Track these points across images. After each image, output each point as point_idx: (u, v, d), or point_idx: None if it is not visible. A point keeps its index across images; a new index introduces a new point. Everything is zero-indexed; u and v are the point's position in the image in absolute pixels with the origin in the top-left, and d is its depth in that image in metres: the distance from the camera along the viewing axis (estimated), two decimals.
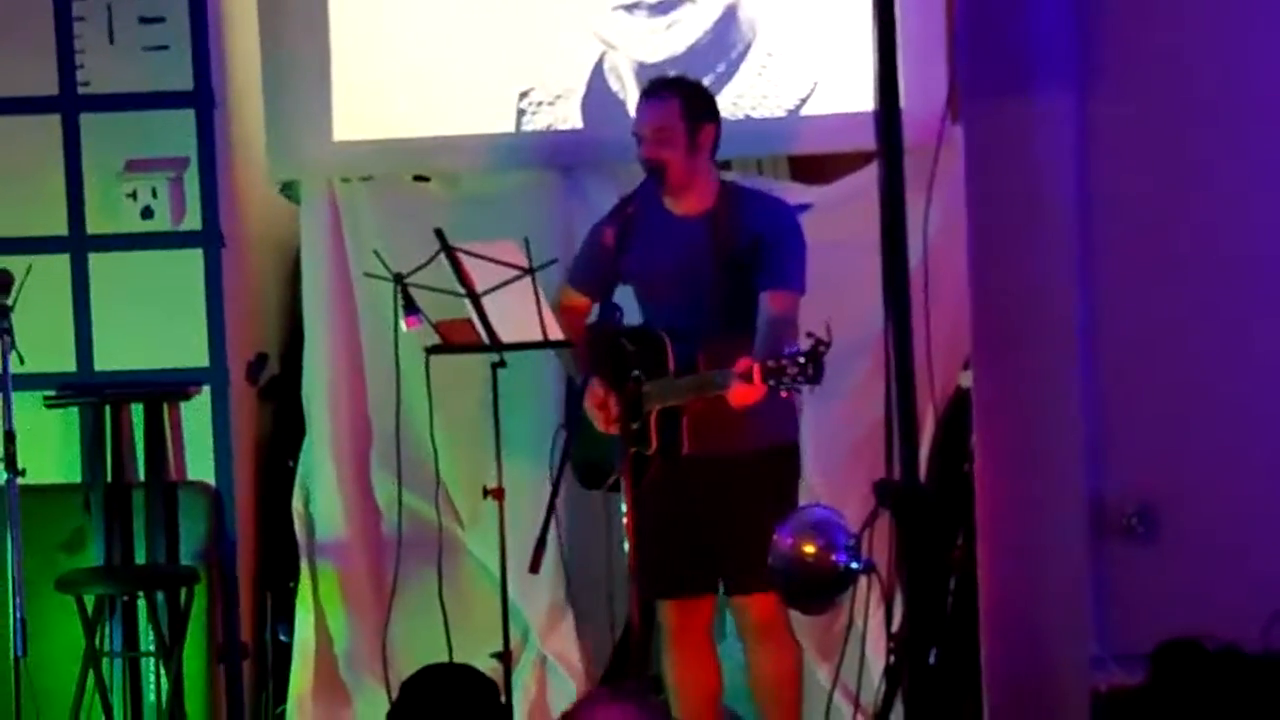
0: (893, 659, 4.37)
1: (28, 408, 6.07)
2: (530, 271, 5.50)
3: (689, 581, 5.44)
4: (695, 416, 5.26)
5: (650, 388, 5.23)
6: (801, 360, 4.93)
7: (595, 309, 5.28)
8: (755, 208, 5.43)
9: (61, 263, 6.33)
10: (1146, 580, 4.81)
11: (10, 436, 5.59)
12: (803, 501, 5.43)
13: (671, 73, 5.78)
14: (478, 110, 6.36)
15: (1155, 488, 4.81)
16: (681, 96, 5.42)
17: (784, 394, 5.02)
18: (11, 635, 5.63)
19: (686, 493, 5.34)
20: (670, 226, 5.43)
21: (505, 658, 5.75)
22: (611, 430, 5.27)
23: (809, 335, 4.95)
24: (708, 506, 5.35)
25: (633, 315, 5.51)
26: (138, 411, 6.22)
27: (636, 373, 5.28)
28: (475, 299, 5.58)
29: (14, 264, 5.78)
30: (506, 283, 5.51)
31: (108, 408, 6.19)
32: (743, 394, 5.02)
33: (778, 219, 5.41)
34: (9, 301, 5.64)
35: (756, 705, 5.61)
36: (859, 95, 5.92)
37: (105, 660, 6.04)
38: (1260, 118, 4.80)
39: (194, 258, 6.33)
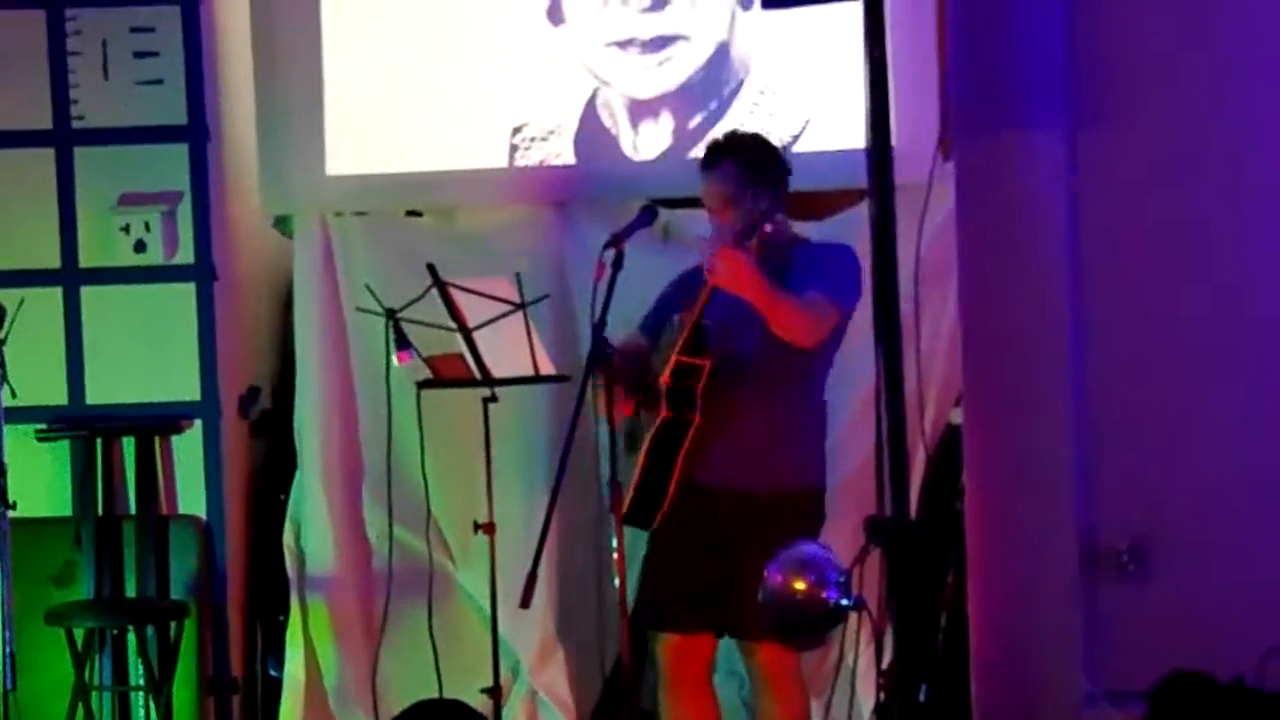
0: (883, 696, 4.36)
1: (19, 441, 6.08)
2: (522, 306, 5.51)
3: (692, 617, 5.29)
4: (707, 371, 5.18)
5: (656, 361, 5.20)
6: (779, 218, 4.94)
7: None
8: (805, 256, 5.37)
9: (54, 296, 6.33)
10: (1138, 617, 4.80)
11: (1, 469, 5.60)
12: None
13: (731, 131, 5.64)
14: (470, 145, 6.38)
15: (1147, 524, 4.81)
16: (735, 162, 5.33)
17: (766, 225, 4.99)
18: (1, 668, 5.62)
19: (705, 526, 5.22)
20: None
21: (495, 693, 5.75)
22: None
23: None
24: (724, 544, 5.20)
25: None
26: (129, 445, 6.22)
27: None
28: (467, 334, 5.59)
29: (7, 297, 5.80)
30: (498, 318, 5.52)
31: (99, 441, 6.20)
32: (726, 260, 4.97)
33: (827, 257, 5.36)
34: (1, 335, 5.64)
35: None
36: (851, 132, 5.91)
37: (95, 694, 6.04)
38: (1251, 152, 4.81)
39: (186, 292, 6.34)
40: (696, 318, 5.16)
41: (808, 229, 6.24)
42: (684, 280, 5.37)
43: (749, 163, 5.34)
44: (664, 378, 5.17)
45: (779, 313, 5.07)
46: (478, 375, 5.65)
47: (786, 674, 5.31)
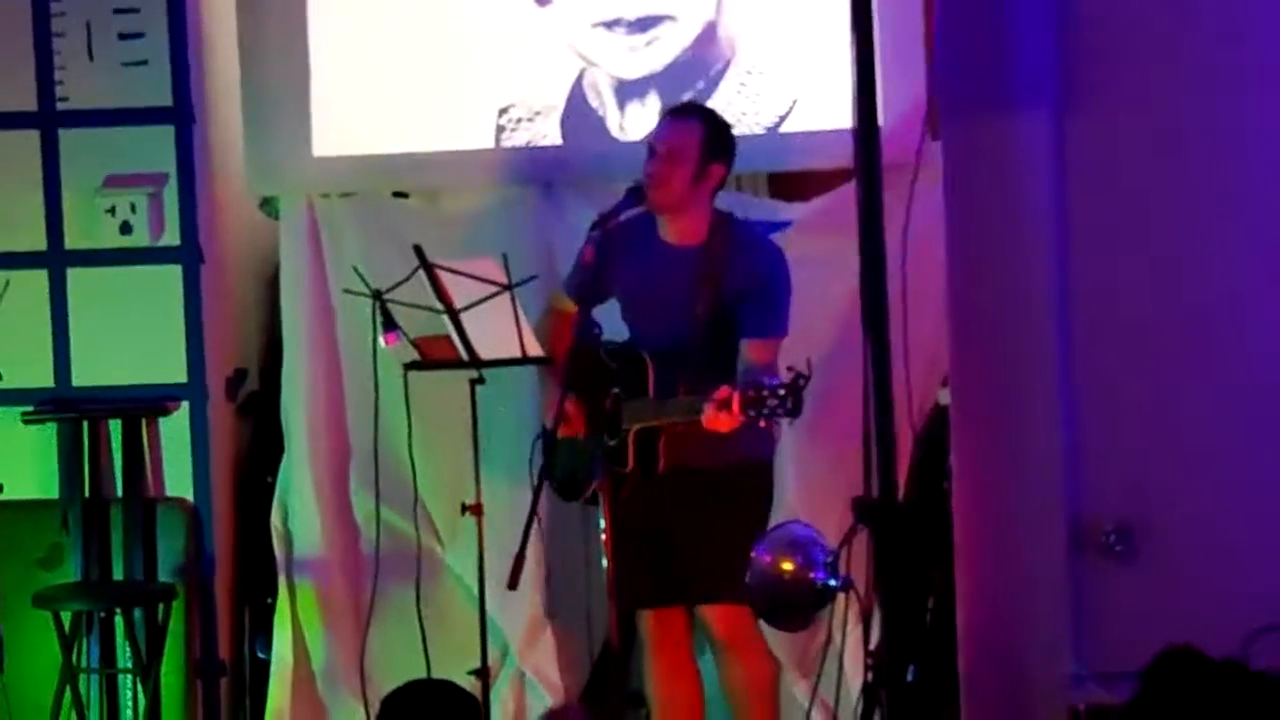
0: (871, 676, 4.37)
1: (5, 423, 6.08)
2: (509, 288, 5.51)
3: (660, 591, 5.44)
4: (672, 432, 5.27)
5: (629, 409, 5.24)
6: (781, 393, 4.94)
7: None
8: (746, 251, 5.40)
9: (40, 278, 6.31)
10: (1125, 598, 4.80)
11: None
12: (780, 519, 5.43)
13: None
14: (457, 126, 6.36)
15: (1134, 506, 4.81)
16: (705, 125, 5.43)
17: (762, 424, 5.03)
18: None
19: (658, 503, 5.35)
20: (661, 253, 5.43)
21: (484, 674, 5.74)
22: (567, 433, 5.29)
23: (789, 369, 4.96)
24: (676, 517, 5.37)
25: (615, 327, 5.53)
26: (116, 427, 6.21)
27: (616, 390, 5.28)
28: (454, 315, 5.58)
29: None
30: (485, 299, 5.52)
31: (86, 423, 6.18)
32: (718, 421, 5.02)
33: (766, 267, 5.39)
34: None
35: (732, 718, 5.60)
36: (838, 112, 5.90)
37: (82, 677, 6.02)
38: (1242, 134, 4.81)
39: (173, 274, 6.32)
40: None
41: (795, 209, 6.25)
42: (607, 241, 5.35)
43: (719, 138, 5.42)
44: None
45: None
46: (465, 357, 5.64)
47: (744, 636, 5.41)
